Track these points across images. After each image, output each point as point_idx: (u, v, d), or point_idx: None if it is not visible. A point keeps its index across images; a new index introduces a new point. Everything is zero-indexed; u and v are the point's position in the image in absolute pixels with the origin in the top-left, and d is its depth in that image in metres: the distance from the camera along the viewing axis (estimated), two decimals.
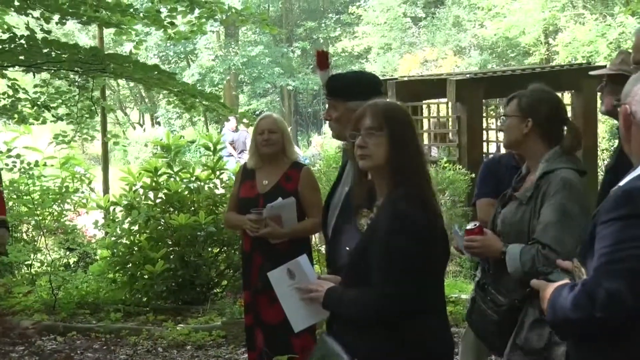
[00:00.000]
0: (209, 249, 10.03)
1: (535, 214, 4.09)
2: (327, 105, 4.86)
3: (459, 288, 9.66)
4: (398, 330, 3.42)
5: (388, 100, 4.08)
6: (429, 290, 3.49)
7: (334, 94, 4.70)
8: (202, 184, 10.28)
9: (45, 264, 10.78)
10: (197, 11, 10.58)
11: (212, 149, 10.75)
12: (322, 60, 4.76)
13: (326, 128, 31.11)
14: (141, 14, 10.16)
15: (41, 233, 10.96)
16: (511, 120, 4.34)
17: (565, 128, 4.33)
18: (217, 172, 10.33)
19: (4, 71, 9.68)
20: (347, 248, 4.28)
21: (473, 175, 10.97)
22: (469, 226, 4.34)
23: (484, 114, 13.95)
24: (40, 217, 10.88)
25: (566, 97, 14.37)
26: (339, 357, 3.47)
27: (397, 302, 3.39)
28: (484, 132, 13.88)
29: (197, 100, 9.91)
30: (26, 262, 10.83)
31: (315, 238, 9.03)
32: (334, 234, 4.69)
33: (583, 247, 2.93)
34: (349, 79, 4.94)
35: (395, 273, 3.38)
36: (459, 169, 12.05)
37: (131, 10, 9.77)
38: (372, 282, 3.42)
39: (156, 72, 9.14)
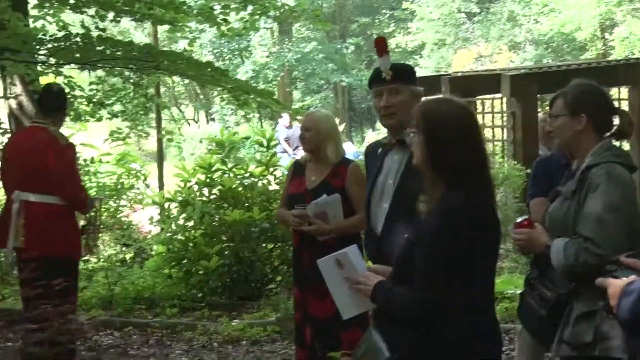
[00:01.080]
0: (263, 245, 10.06)
1: (579, 208, 4.03)
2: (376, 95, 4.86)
3: (515, 284, 9.58)
4: (439, 329, 3.39)
5: (442, 96, 4.04)
6: (472, 290, 3.45)
7: (400, 77, 4.74)
8: (256, 180, 10.31)
9: (102, 260, 10.89)
10: (250, 8, 10.63)
11: (265, 145, 10.77)
12: (381, 45, 4.77)
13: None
14: (195, 11, 10.23)
15: (100, 229, 11.04)
16: (561, 120, 4.24)
17: (615, 116, 4.26)
18: (271, 169, 10.36)
19: (60, 69, 9.80)
20: (406, 236, 4.29)
21: (528, 170, 10.87)
22: (519, 219, 4.30)
23: (539, 109, 13.81)
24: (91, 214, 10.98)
25: (623, 92, 14.19)
26: (380, 352, 3.46)
27: (436, 306, 3.36)
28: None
29: (251, 96, 9.95)
30: (83, 258, 10.95)
31: None
32: (388, 224, 4.67)
33: None
34: (407, 64, 5.30)
35: (435, 277, 3.36)
36: (514, 164, 11.96)
37: (185, 7, 9.84)
38: (414, 282, 3.41)
39: (209, 69, 9.20)
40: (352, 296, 3.77)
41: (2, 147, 9.64)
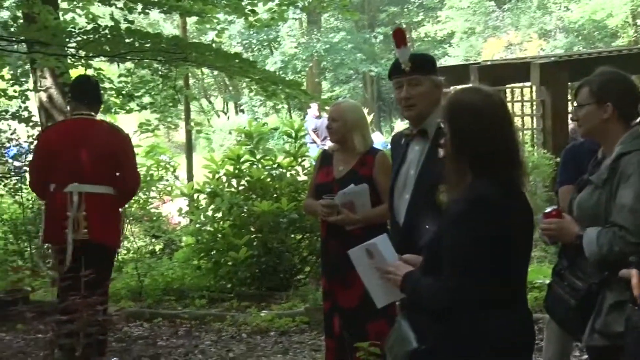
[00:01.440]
0: (292, 236, 10.07)
1: (611, 197, 3.99)
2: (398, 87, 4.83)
3: (544, 274, 9.52)
4: (467, 319, 3.37)
5: (471, 86, 4.01)
6: (501, 280, 3.41)
7: (419, 68, 4.71)
8: (284, 170, 10.31)
9: (132, 251, 10.94)
10: None
11: (293, 135, 10.77)
12: (400, 37, 4.74)
13: None
14: (223, 2, 10.25)
15: (127, 221, 11.10)
16: (587, 108, 4.19)
17: None
18: (299, 159, 10.35)
19: (89, 61, 9.85)
20: (427, 226, 4.26)
21: (558, 159, 10.82)
22: (547, 210, 4.26)
23: (569, 98, 13.74)
24: (126, 205, 11.05)
25: None
26: (408, 342, 3.45)
27: (462, 295, 3.33)
28: (570, 115, 13.68)
29: (279, 87, 9.95)
30: None
31: None
32: (410, 215, 4.65)
33: None
34: (427, 54, 5.11)
35: (460, 266, 3.33)
36: (544, 153, 11.90)
37: None
38: (442, 272, 3.39)
39: (237, 61, 9.20)
40: (383, 285, 3.77)
41: (32, 140, 9.73)
